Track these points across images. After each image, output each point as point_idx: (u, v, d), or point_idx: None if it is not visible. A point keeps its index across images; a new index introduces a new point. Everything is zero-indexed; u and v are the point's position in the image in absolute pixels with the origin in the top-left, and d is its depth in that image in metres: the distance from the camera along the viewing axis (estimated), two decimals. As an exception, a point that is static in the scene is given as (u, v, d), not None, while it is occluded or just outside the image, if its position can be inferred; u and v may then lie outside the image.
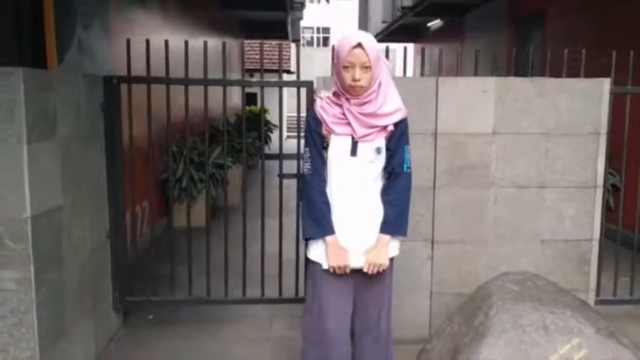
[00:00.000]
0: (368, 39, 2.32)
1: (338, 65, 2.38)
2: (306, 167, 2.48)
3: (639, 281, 3.87)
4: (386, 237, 2.44)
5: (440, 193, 3.42)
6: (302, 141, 2.67)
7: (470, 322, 2.78)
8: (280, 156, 3.67)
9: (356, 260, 2.44)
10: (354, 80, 2.31)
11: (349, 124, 2.38)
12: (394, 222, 2.45)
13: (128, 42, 3.42)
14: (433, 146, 3.39)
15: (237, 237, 3.69)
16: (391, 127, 2.41)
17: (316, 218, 2.44)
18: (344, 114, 2.39)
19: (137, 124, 3.53)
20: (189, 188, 5.81)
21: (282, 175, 3.62)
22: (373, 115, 2.37)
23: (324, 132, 2.44)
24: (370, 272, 2.42)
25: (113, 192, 3.47)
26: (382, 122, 2.39)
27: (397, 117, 2.42)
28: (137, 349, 3.44)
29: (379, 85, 2.39)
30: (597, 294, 3.67)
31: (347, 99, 2.39)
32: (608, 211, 3.99)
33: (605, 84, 3.45)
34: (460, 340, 2.73)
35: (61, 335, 2.82)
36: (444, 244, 3.46)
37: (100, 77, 3.39)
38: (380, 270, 2.44)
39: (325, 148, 2.46)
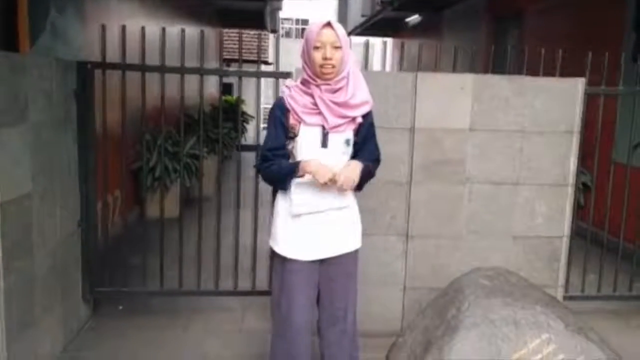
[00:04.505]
0: (336, 22, 2.35)
1: (308, 48, 2.34)
2: (260, 157, 2.46)
3: (606, 278, 3.95)
4: (359, 163, 2.38)
5: (416, 188, 3.44)
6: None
7: (442, 316, 2.80)
8: (256, 147, 3.64)
9: (324, 250, 2.44)
10: (325, 58, 2.29)
11: (320, 113, 2.36)
12: (366, 167, 2.41)
13: (103, 27, 3.35)
14: (410, 141, 3.40)
15: (210, 229, 3.66)
16: (360, 119, 2.42)
17: (280, 170, 2.40)
18: (315, 103, 2.36)
19: (110, 111, 3.46)
20: (163, 178, 5.72)
21: (258, 167, 3.59)
22: (345, 104, 2.36)
23: (293, 121, 2.40)
24: (339, 183, 2.29)
25: (84, 180, 3.40)
26: (353, 113, 2.39)
27: (365, 109, 2.43)
28: (107, 339, 3.39)
29: (349, 73, 2.38)
30: (566, 290, 3.74)
31: (318, 86, 2.36)
32: (579, 209, 4.06)
33: (580, 84, 3.50)
34: (433, 334, 2.75)
35: (29, 325, 2.76)
36: (419, 239, 3.48)
37: (73, 62, 3.31)
38: (349, 185, 2.34)
39: (292, 138, 2.42)
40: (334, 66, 2.32)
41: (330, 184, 2.31)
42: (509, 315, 2.61)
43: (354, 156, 2.47)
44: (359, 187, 2.47)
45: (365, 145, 2.48)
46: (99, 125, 3.45)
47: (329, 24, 2.32)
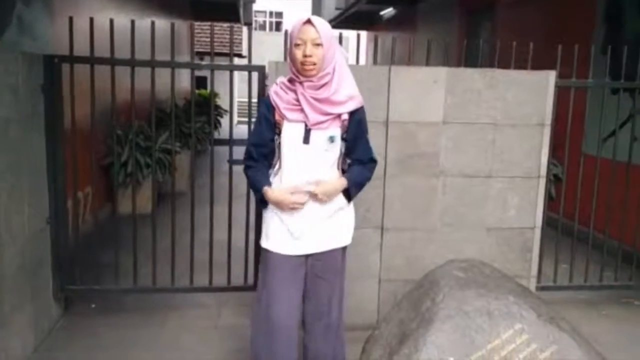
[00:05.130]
0: (319, 19, 2.34)
1: (290, 46, 2.37)
2: (245, 152, 2.51)
3: (577, 268, 4.02)
4: (344, 181, 2.45)
5: (390, 181, 3.44)
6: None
7: (417, 308, 2.81)
8: (230, 142, 3.60)
9: (310, 245, 2.46)
10: (305, 55, 2.29)
11: (302, 110, 2.35)
12: (354, 180, 2.47)
13: (71, 20, 3.27)
14: (384, 135, 3.40)
15: (184, 224, 3.62)
16: (345, 116, 2.40)
17: (251, 184, 2.49)
18: (298, 100, 2.36)
19: (79, 106, 3.38)
20: (135, 173, 5.65)
21: (232, 161, 3.56)
22: (327, 101, 2.35)
23: (277, 118, 2.41)
24: (315, 196, 2.39)
25: (53, 177, 3.33)
26: (335, 110, 2.37)
27: (351, 106, 2.40)
28: (79, 338, 3.33)
29: (334, 70, 2.37)
30: (538, 280, 3.80)
31: (301, 83, 2.36)
32: (550, 201, 4.12)
33: (551, 76, 3.54)
34: (408, 326, 2.76)
35: (-3, 325, 2.70)
36: (394, 232, 3.50)
37: (40, 56, 3.23)
38: (325, 200, 2.41)
39: (278, 134, 2.42)
40: (314, 63, 2.31)
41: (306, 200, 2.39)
42: (483, 307, 2.63)
43: (347, 154, 2.48)
44: (348, 199, 2.51)
45: (356, 143, 2.48)
46: (67, 120, 3.37)
47: (309, 21, 2.31)
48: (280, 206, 2.40)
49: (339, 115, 2.39)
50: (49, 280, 3.38)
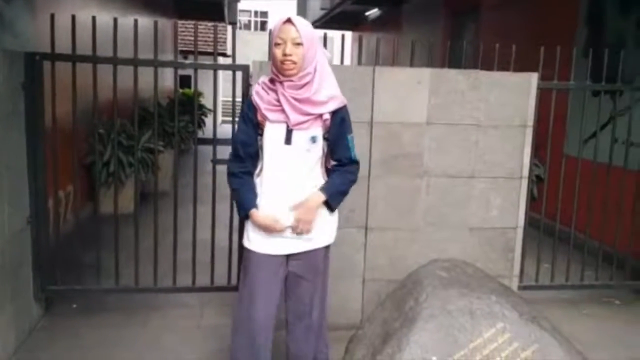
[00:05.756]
0: (300, 19, 2.33)
1: (270, 45, 2.36)
2: (230, 152, 2.49)
3: (559, 268, 4.06)
4: (321, 196, 2.41)
5: (374, 182, 3.45)
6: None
7: (400, 308, 2.83)
8: (214, 141, 3.58)
9: (290, 245, 2.44)
10: (285, 54, 2.28)
11: (283, 110, 2.34)
12: (333, 185, 2.44)
13: (52, 17, 3.23)
14: (369, 135, 3.41)
15: (167, 224, 3.59)
16: (327, 116, 2.39)
17: (237, 198, 2.46)
18: (278, 100, 2.35)
19: (61, 104, 3.34)
20: (117, 172, 5.60)
21: (215, 161, 3.54)
22: (307, 101, 2.34)
23: (259, 118, 2.40)
24: (298, 231, 2.40)
25: (34, 176, 3.28)
26: (316, 110, 2.36)
27: (332, 106, 2.39)
28: (60, 339, 3.29)
29: (315, 70, 2.36)
30: (520, 280, 3.83)
31: (282, 83, 2.34)
32: (532, 201, 4.16)
33: (533, 78, 3.58)
34: (391, 326, 2.77)
35: (-25, 327, 2.66)
36: (377, 232, 3.50)
37: (21, 54, 3.18)
38: (308, 229, 2.41)
39: (261, 135, 2.41)
40: (294, 62, 2.30)
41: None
42: (465, 306, 2.65)
43: (331, 153, 2.46)
44: (330, 209, 2.49)
45: (337, 144, 2.45)
46: (48, 118, 3.33)
47: (289, 20, 2.30)
48: (264, 230, 2.40)
49: (320, 115, 2.37)
50: (29, 281, 3.33)
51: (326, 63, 2.45)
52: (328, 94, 2.38)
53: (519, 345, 2.52)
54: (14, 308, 3.09)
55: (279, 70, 2.34)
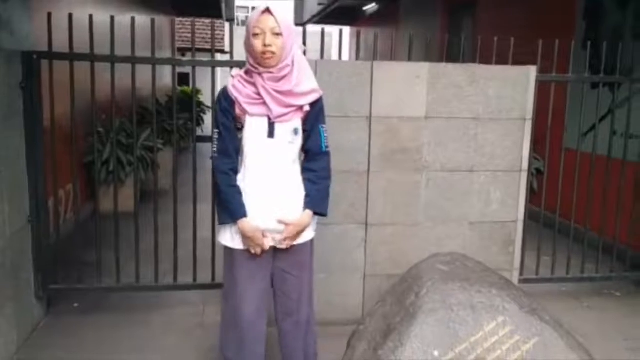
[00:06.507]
0: (278, 9, 2.28)
1: (248, 36, 2.30)
2: (213, 149, 2.41)
3: (559, 261, 4.07)
4: (309, 214, 2.40)
5: (374, 177, 3.45)
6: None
7: (401, 303, 2.82)
8: (212, 138, 3.57)
9: (274, 241, 2.41)
10: (265, 45, 2.24)
11: (264, 103, 2.31)
12: (315, 198, 2.42)
13: (49, 15, 3.22)
14: (368, 130, 3.40)
15: (167, 222, 3.59)
16: (307, 108, 2.37)
17: (224, 202, 2.39)
18: (258, 93, 2.31)
19: (59, 103, 3.34)
20: (117, 171, 5.60)
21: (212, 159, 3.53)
22: (290, 93, 2.31)
23: (238, 112, 2.35)
24: (285, 244, 2.40)
25: (34, 175, 3.28)
26: (299, 101, 2.34)
27: (313, 97, 2.37)
28: (62, 338, 3.30)
29: (293, 62, 2.33)
30: (521, 273, 3.84)
31: (260, 75, 2.30)
32: (532, 194, 4.16)
33: (532, 71, 3.57)
34: (392, 320, 2.77)
35: (-23, 327, 2.66)
36: (377, 227, 3.51)
37: (18, 53, 3.18)
38: (294, 243, 2.41)
39: (240, 129, 2.38)
40: (274, 53, 2.26)
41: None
42: (466, 300, 2.65)
43: (303, 145, 2.43)
44: (323, 216, 2.49)
45: (311, 136, 2.42)
46: (47, 117, 3.32)
47: (268, 10, 2.26)
48: (248, 241, 2.37)
49: (301, 107, 2.35)
50: (30, 280, 3.34)
51: (302, 55, 2.43)
52: (309, 85, 2.36)
53: (520, 338, 2.53)
54: (16, 307, 3.09)
55: (257, 62, 2.29)
